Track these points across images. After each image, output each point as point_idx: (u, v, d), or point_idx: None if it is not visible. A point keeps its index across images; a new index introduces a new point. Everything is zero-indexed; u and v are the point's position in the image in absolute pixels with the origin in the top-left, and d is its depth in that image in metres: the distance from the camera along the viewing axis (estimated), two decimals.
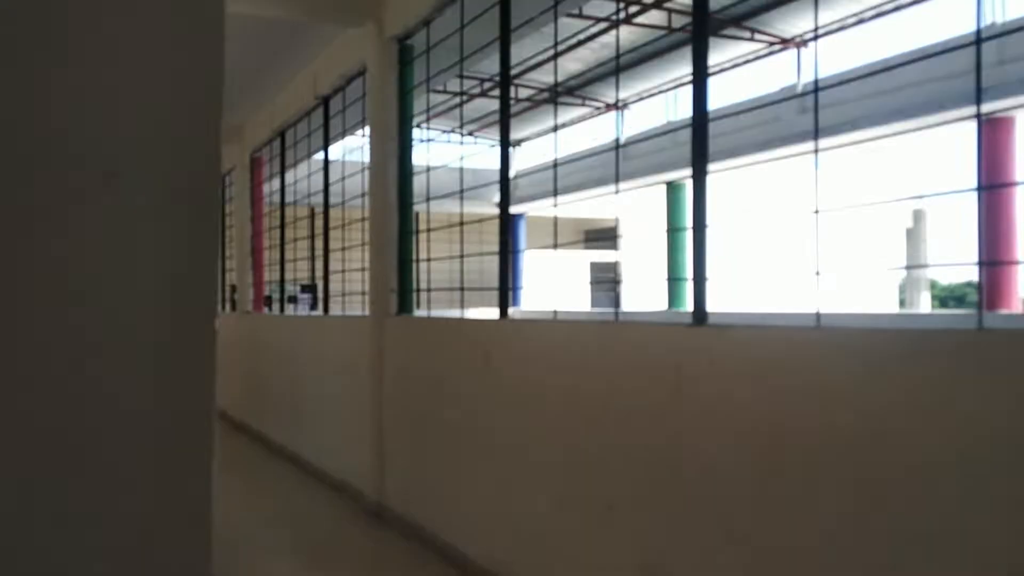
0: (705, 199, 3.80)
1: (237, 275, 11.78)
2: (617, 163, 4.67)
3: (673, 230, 15.61)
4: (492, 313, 5.60)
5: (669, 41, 13.54)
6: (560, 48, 13.25)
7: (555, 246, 5.31)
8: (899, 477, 2.66)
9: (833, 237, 15.17)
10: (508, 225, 5.31)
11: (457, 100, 13.12)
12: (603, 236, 20.29)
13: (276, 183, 10.20)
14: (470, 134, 17.26)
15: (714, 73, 14.60)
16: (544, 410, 4.53)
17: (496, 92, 14.45)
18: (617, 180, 4.69)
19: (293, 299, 11.08)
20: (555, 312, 5.06)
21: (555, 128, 6.03)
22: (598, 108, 16.49)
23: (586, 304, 18.78)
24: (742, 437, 3.26)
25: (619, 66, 13.97)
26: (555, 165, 5.55)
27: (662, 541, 3.65)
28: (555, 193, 5.31)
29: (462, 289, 6.02)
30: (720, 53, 13.96)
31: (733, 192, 16.33)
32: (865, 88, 11.24)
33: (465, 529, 5.34)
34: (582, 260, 19.79)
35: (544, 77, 14.86)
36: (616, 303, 19.82)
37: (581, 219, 20.31)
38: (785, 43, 13.80)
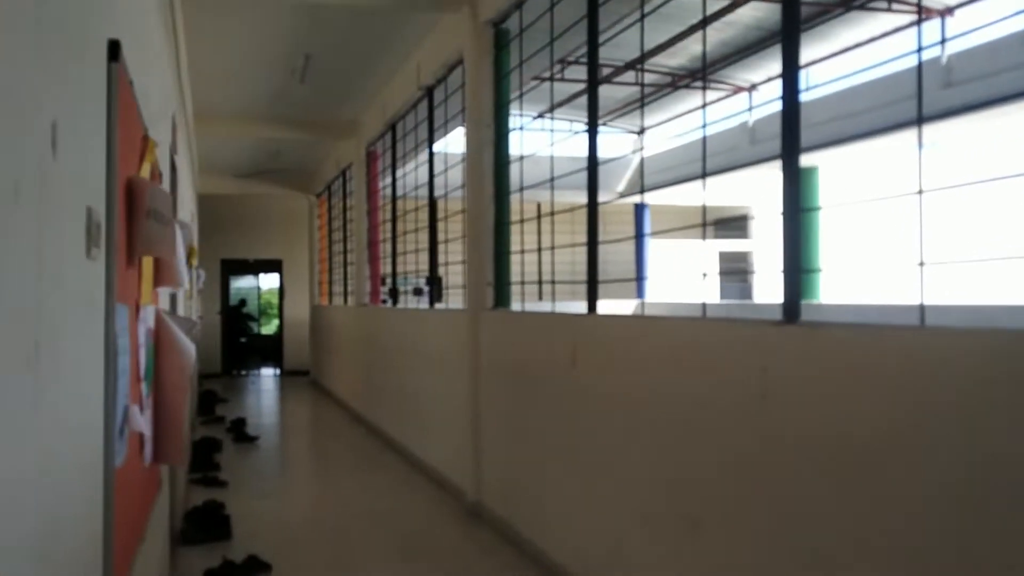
0: (798, 184, 3.40)
1: (356, 268, 11.89)
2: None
3: (801, 213, 14.74)
4: (585, 307, 5.30)
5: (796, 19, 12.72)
6: (686, 28, 12.72)
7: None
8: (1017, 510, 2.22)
9: (979, 220, 13.96)
10: (596, 215, 4.98)
11: (559, 85, 12.77)
12: (733, 224, 19.52)
13: (391, 176, 10.19)
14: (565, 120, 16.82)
15: (847, 51, 13.69)
16: (628, 413, 4.21)
17: (600, 78, 14.07)
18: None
19: (419, 291, 11.08)
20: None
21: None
22: (727, 91, 15.80)
23: (715, 295, 18.11)
24: (832, 450, 2.85)
25: (743, 48, 13.30)
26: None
27: (749, 563, 3.28)
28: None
29: (553, 282, 5.74)
30: (856, 29, 13.07)
31: (871, 174, 15.32)
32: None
33: (556, 535, 5.08)
34: (711, 249, 19.12)
35: (670, 61, 14.34)
36: (746, 294, 19.02)
37: (710, 207, 19.59)
38: (927, 13, 12.77)
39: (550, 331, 5.27)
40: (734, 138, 15.17)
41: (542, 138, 16.30)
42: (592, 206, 4.99)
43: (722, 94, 16.23)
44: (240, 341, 20.90)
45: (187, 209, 8.51)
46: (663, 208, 18.74)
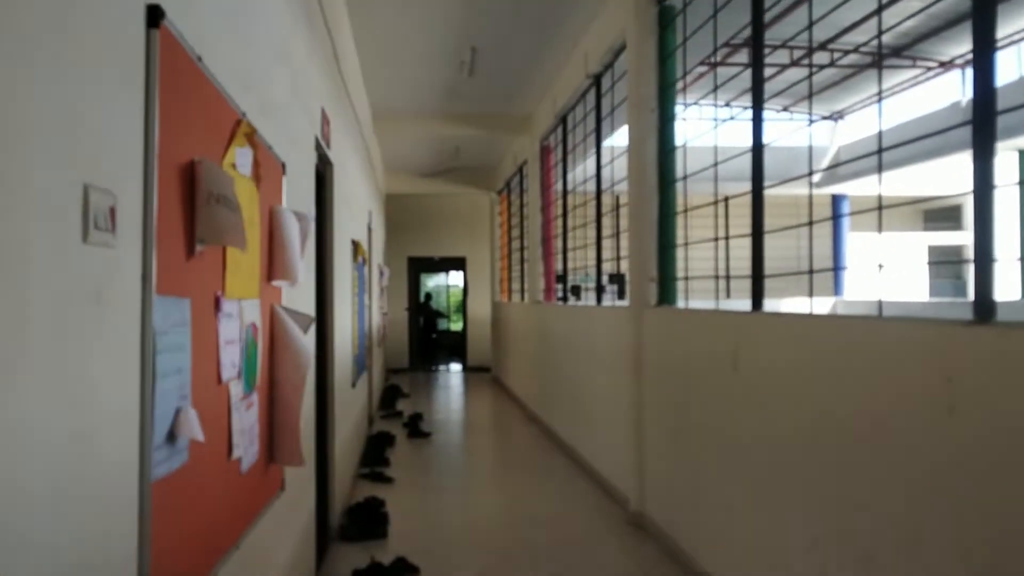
0: (991, 165, 2.82)
1: (529, 265, 11.73)
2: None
3: (993, 195, 13.20)
4: (769, 306, 4.80)
5: None
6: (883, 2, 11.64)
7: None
8: None
9: None
10: (760, 204, 4.48)
11: (730, 71, 11.98)
12: (945, 215, 17.85)
13: (567, 170, 9.94)
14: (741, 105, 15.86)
15: None
16: (792, 424, 3.72)
17: (805, 60, 13.14)
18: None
19: (601, 288, 10.77)
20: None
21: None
22: (931, 68, 14.40)
23: (924, 293, 16.62)
24: None
25: (953, 21, 12.03)
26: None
27: None
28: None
29: (728, 277, 5.26)
30: None
31: None
32: None
33: (718, 554, 4.63)
34: (920, 243, 17.56)
35: (862, 38, 13.21)
36: (960, 292, 17.35)
37: (919, 196, 17.98)
38: None
39: (712, 330, 4.81)
40: (945, 119, 13.82)
41: (709, 125, 15.52)
42: (757, 194, 4.49)
43: (928, 72, 14.84)
44: (431, 337, 21.41)
45: (360, 206, 8.61)
46: (864, 200, 17.42)
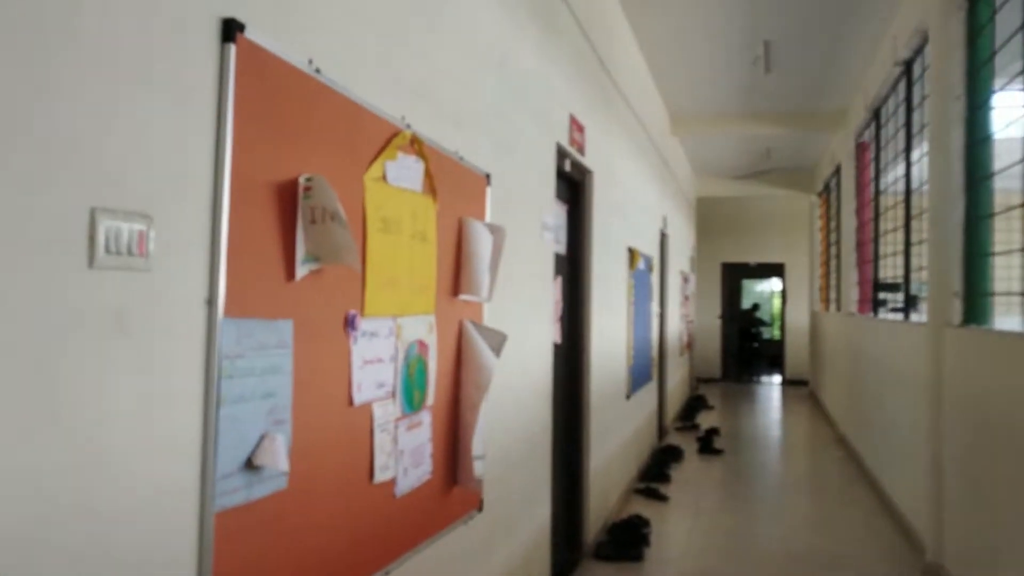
0: None
1: (842, 273, 10.77)
2: None
3: None
4: None
5: None
6: None
7: None
8: None
9: None
10: None
11: None
12: None
13: (879, 169, 8.97)
14: None
15: None
16: None
17: None
18: None
19: (911, 301, 9.64)
20: None
21: None
22: None
23: None
24: None
25: None
26: None
27: None
28: None
29: None
30: None
31: None
32: None
33: None
34: None
35: None
36: None
37: None
38: None
39: None
40: None
41: None
42: None
43: None
44: (752, 346, 20.55)
45: (643, 212, 8.39)
46: None
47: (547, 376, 4.50)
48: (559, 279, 5.27)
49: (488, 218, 3.38)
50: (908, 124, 7.14)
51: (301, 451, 2.00)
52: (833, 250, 12.91)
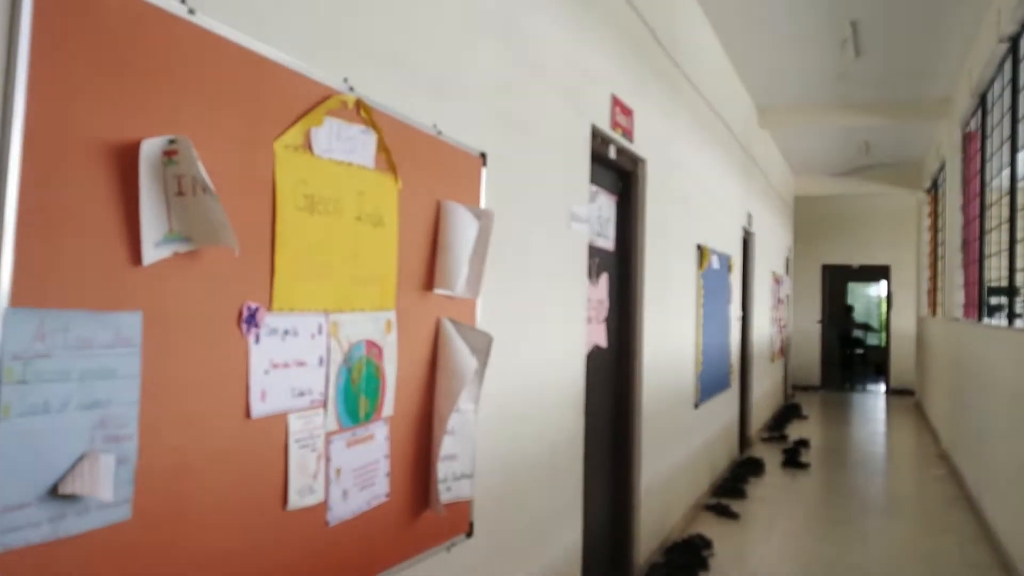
0: None
1: (947, 274, 9.89)
2: None
3: None
4: None
5: None
6: None
7: None
8: None
9: None
10: None
11: None
12: None
13: (985, 159, 8.14)
14: None
15: None
16: None
17: None
18: None
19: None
20: None
21: None
22: None
23: None
24: None
25: None
26: None
27: None
28: None
29: None
30: None
31: None
32: None
33: None
34: None
35: None
36: None
37: None
38: None
39: None
40: None
41: None
42: None
43: None
44: (855, 353, 19.60)
45: (716, 207, 7.84)
46: None
47: (577, 382, 4.06)
48: (604, 277, 4.82)
49: (484, 203, 2.97)
50: (1014, 108, 6.37)
51: (159, 473, 1.64)
52: (940, 251, 11.96)
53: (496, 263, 3.09)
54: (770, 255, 11.70)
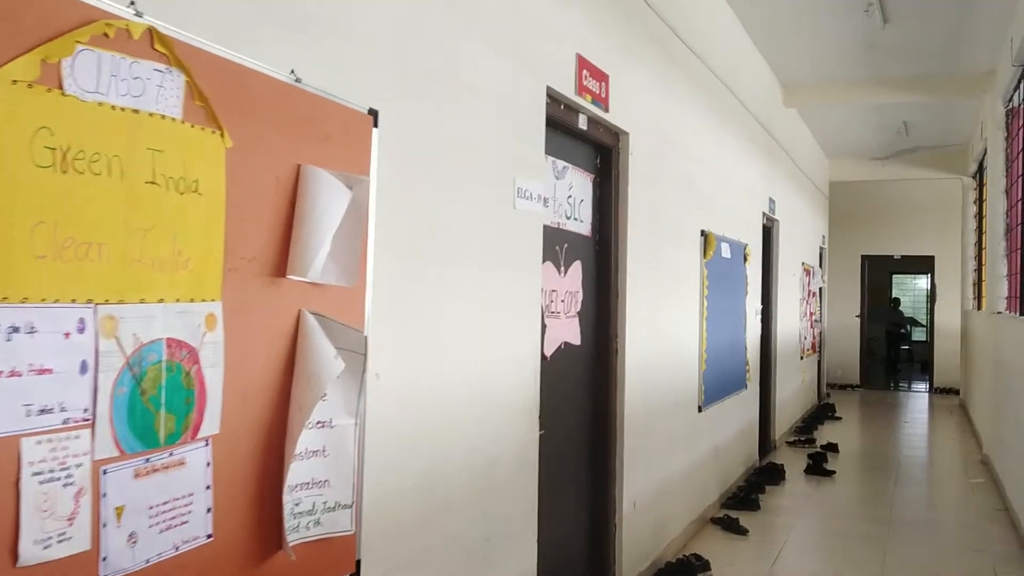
0: None
1: (989, 263, 9.15)
2: None
3: None
4: None
5: None
6: None
7: None
8: None
9: None
10: None
11: None
12: None
13: None
14: None
15: None
16: None
17: None
18: None
19: None
20: None
21: None
22: None
23: None
24: None
25: None
26: None
27: None
28: None
29: None
30: None
31: None
32: None
33: None
34: None
35: None
36: None
37: None
38: None
39: None
40: None
41: None
42: None
43: None
44: (900, 349, 18.84)
45: (731, 189, 7.24)
46: None
47: (529, 385, 3.52)
48: (576, 266, 4.28)
49: (376, 172, 2.44)
50: None
51: None
52: (985, 240, 11.17)
53: (398, 246, 2.57)
54: (799, 244, 11.01)
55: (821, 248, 13.46)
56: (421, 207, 2.71)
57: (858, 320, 15.96)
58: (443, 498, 2.86)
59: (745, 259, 7.48)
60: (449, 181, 2.87)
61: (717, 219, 6.55)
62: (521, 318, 3.42)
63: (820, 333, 13.30)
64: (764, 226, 8.64)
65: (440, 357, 2.83)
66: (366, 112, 2.42)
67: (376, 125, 2.46)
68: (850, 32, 7.58)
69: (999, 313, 8.37)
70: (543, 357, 3.86)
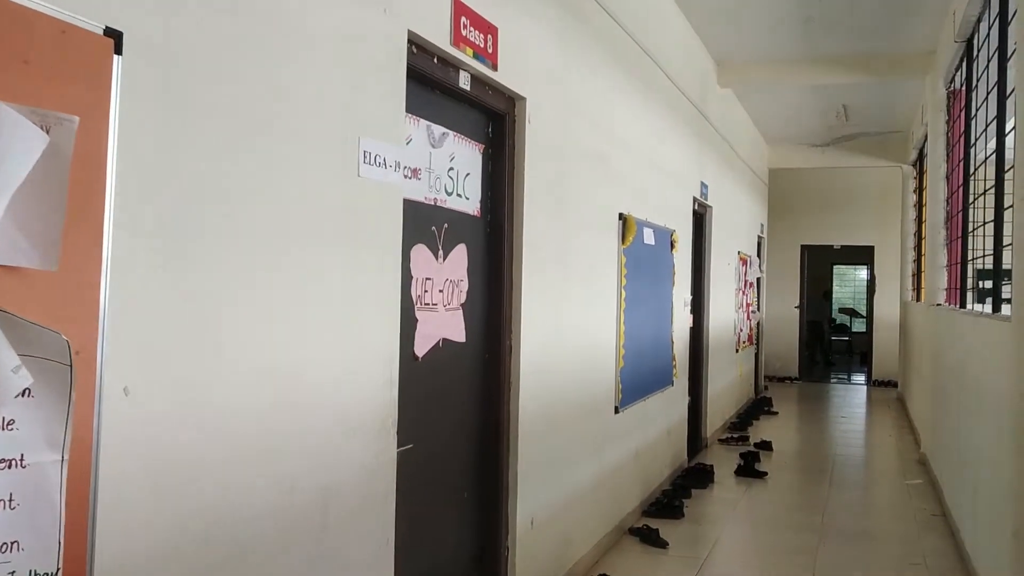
0: None
1: (928, 253, 8.75)
2: None
3: None
4: None
5: None
6: None
7: None
8: None
9: None
10: None
11: None
12: None
13: (969, 120, 6.96)
14: None
15: None
16: None
17: None
18: None
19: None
20: None
21: None
22: None
23: None
24: None
25: None
26: None
27: None
28: None
29: None
30: None
31: None
32: None
33: None
34: None
35: None
36: None
37: None
38: None
39: None
40: None
41: None
42: None
43: None
44: (832, 341, 18.83)
45: (651, 168, 6.68)
46: None
47: (384, 395, 2.89)
48: (460, 250, 3.66)
49: (118, 116, 1.79)
50: (1001, 50, 5.21)
51: None
52: (924, 229, 10.81)
53: (161, 215, 1.92)
54: (735, 232, 10.52)
55: (760, 237, 13.03)
56: (199, 166, 2.06)
57: (797, 311, 15.62)
58: (238, 552, 2.22)
59: (672, 246, 6.93)
60: (246, 133, 2.22)
61: (639, 202, 5.98)
62: (367, 311, 2.79)
63: (758, 324, 12.89)
64: (695, 212, 8.11)
65: (234, 363, 2.19)
66: (101, 32, 1.76)
67: (119, 51, 1.80)
68: (786, 6, 7.06)
69: (938, 305, 7.96)
70: (413, 357, 3.26)
